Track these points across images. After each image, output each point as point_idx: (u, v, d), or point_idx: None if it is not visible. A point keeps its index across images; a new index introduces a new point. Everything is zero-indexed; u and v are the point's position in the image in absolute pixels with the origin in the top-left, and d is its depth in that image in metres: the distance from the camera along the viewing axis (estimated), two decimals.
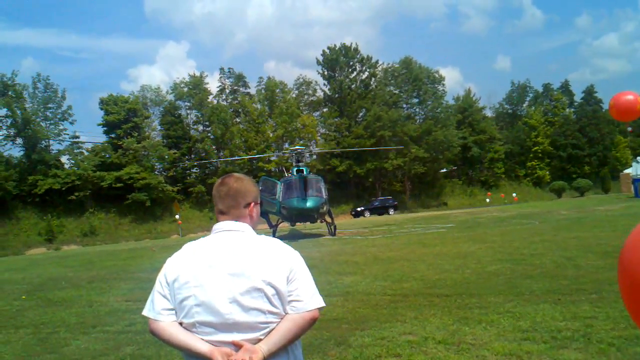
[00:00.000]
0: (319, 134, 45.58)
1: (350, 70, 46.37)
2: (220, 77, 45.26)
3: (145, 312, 1.79)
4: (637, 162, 34.95)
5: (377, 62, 47.15)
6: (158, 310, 1.74)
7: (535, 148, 53.82)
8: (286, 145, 41.89)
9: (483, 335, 4.53)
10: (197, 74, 43.60)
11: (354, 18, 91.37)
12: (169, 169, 41.49)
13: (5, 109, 35.80)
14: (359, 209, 40.83)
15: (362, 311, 5.89)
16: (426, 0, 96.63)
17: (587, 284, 6.37)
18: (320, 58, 46.36)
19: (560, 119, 56.39)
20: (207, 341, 1.68)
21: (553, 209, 25.70)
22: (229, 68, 45.73)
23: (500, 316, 5.08)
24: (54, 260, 19.37)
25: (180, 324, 1.73)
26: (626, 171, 40.88)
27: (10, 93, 36.53)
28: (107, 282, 10.72)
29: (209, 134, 41.97)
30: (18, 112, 36.28)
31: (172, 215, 37.41)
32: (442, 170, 49.68)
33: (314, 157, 42.55)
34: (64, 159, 39.24)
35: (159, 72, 78.13)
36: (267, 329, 1.69)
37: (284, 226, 23.56)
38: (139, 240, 33.83)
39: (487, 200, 44.97)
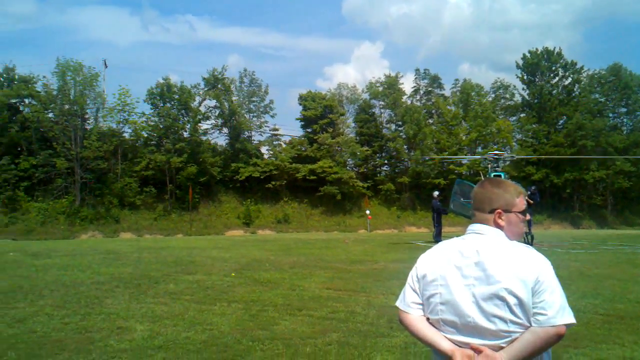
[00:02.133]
0: (515, 140, 51.31)
1: (552, 75, 52.19)
2: (415, 78, 53.11)
3: (397, 303, 2.27)
4: None
5: (581, 67, 52.51)
6: (408, 302, 2.20)
7: None
8: (479, 149, 48.21)
9: None
10: (391, 73, 51.45)
11: (555, 21, 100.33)
12: (361, 165, 49.19)
13: (215, 101, 45.32)
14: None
15: (574, 328, 9.74)
16: (638, 3, 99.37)
17: None
18: (520, 62, 52.77)
19: None
20: (450, 340, 2.05)
21: None
22: (425, 69, 53.25)
23: None
24: (254, 244, 22.95)
25: (427, 319, 2.15)
26: None
27: (219, 86, 45.69)
28: (307, 269, 12.72)
29: (401, 134, 49.28)
30: (226, 104, 45.51)
31: (361, 210, 44.33)
32: None
33: (508, 162, 48.00)
34: (263, 149, 47.88)
35: (353, 71, 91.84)
36: (510, 338, 1.96)
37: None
38: (328, 232, 40.21)
39: None
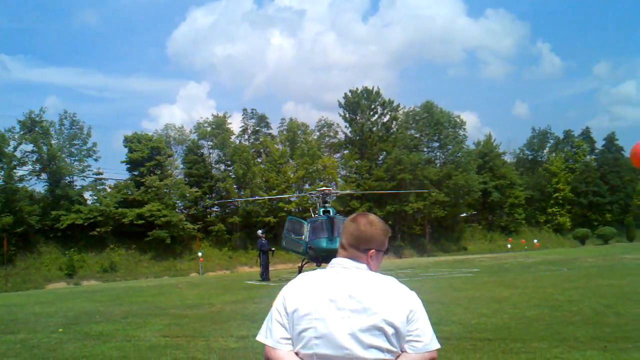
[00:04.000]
0: (340, 176, 61.95)
1: (371, 113, 64.03)
2: (243, 118, 61.68)
3: (261, 339, 2.47)
4: None
5: (398, 105, 65.34)
6: (277, 338, 2.41)
7: (556, 194, 73.38)
8: (306, 186, 57.20)
9: None
10: (218, 113, 59.05)
11: (373, 62, 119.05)
12: (190, 207, 55.15)
13: (32, 145, 47.47)
14: None
15: None
16: (445, 45, 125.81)
17: (633, 331, 8.33)
18: (342, 100, 64.07)
19: (581, 166, 76.68)
20: None
21: (578, 256, 32.53)
22: (252, 109, 61.90)
23: None
24: (81, 295, 23.60)
25: (296, 353, 2.39)
26: None
27: (37, 129, 47.27)
28: (141, 317, 13.49)
29: (231, 174, 56.69)
30: (44, 147, 47.60)
31: (192, 253, 49.43)
32: (462, 215, 66.87)
33: (334, 198, 57.58)
34: (86, 195, 50.45)
35: (180, 111, 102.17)
36: None
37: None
38: (159, 277, 43.14)
39: (509, 245, 60.95)
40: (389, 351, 2.35)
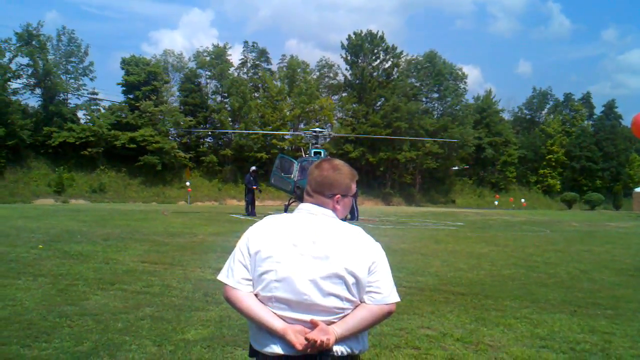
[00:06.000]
0: (336, 118, 61.80)
1: (373, 57, 63.22)
2: (244, 50, 60.83)
3: (222, 278, 2.47)
4: None
5: (401, 52, 64.38)
6: (237, 279, 2.41)
7: (549, 156, 73.55)
8: (302, 125, 57.27)
9: (501, 338, 6.18)
10: (220, 44, 58.47)
11: (380, 6, 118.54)
12: (183, 135, 54.90)
13: (28, 59, 46.86)
14: None
15: None
16: None
17: (603, 299, 8.54)
18: (345, 42, 63.01)
19: (578, 130, 76.63)
20: (280, 316, 2.34)
21: (563, 220, 33.03)
22: (253, 42, 61.03)
23: (517, 321, 6.93)
24: (66, 214, 23.62)
25: (256, 295, 2.40)
26: (638, 189, 58.32)
27: (34, 43, 46.53)
28: (122, 241, 13.70)
29: (227, 106, 56.47)
30: (40, 62, 46.84)
31: (182, 182, 49.29)
32: (454, 168, 67.11)
33: (328, 140, 57.48)
34: (80, 114, 50.46)
35: (181, 38, 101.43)
36: (341, 315, 2.36)
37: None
38: (147, 203, 43.74)
39: (496, 202, 61.71)
40: (347, 300, 2.36)
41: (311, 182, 2.57)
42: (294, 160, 27.19)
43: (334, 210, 2.55)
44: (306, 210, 2.53)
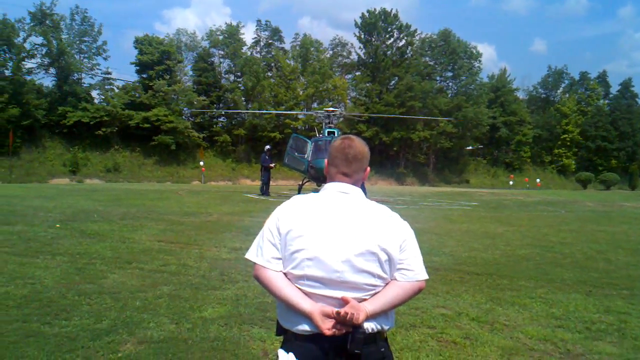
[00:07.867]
0: (349, 97, 61.45)
1: (387, 36, 62.59)
2: (257, 29, 60.75)
3: (252, 257, 2.48)
4: None
5: (415, 31, 63.68)
6: (267, 257, 2.43)
7: (564, 136, 72.87)
8: (315, 105, 57.08)
9: (516, 317, 6.25)
10: (232, 22, 58.35)
11: None
12: (197, 115, 55.00)
13: (42, 38, 47.06)
14: None
15: None
16: None
17: (619, 279, 8.60)
18: (359, 20, 62.44)
19: (593, 109, 75.61)
20: (311, 294, 2.37)
21: (578, 200, 32.88)
22: (266, 21, 60.94)
23: (532, 301, 7.01)
24: (82, 193, 23.74)
25: (285, 274, 2.42)
26: None
27: (47, 22, 46.93)
28: (138, 220, 13.86)
29: (240, 85, 56.43)
30: (54, 42, 47.31)
31: (195, 161, 49.92)
32: (468, 148, 66.74)
33: (341, 119, 57.37)
34: (94, 93, 50.77)
35: (193, 16, 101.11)
36: (373, 292, 2.40)
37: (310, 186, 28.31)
38: (161, 182, 44.02)
39: (510, 182, 61.41)
40: (379, 277, 2.40)
41: (350, 162, 2.55)
42: (308, 140, 27.08)
43: (363, 186, 2.62)
44: (337, 189, 2.53)
